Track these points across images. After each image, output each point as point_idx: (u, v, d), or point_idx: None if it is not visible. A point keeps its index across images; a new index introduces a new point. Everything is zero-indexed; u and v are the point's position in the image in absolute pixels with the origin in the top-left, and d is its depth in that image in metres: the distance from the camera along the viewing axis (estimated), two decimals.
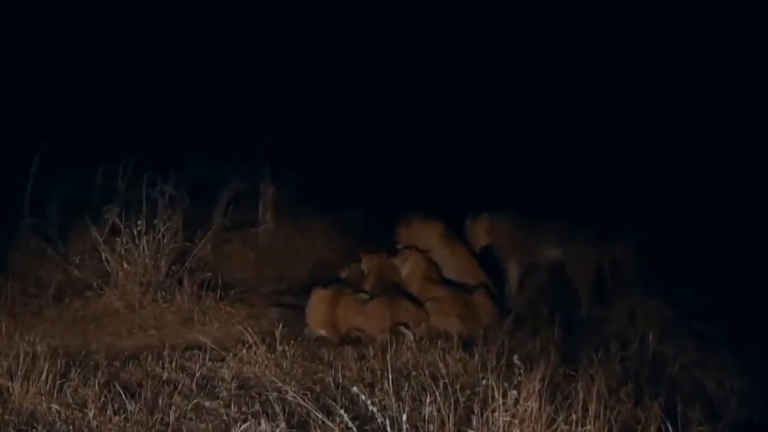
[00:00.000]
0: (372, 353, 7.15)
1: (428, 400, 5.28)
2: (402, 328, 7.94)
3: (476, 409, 5.30)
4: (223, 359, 7.04)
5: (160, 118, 11.17)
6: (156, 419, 5.73)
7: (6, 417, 5.71)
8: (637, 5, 10.89)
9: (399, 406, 5.40)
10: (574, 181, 10.36)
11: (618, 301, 8.64)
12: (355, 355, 7.18)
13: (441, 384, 5.53)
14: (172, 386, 6.34)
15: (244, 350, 7.11)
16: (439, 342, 7.34)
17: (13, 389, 6.01)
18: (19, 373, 6.10)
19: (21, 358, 6.25)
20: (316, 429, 5.42)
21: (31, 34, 10.93)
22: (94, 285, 8.82)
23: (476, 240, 9.60)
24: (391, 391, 5.61)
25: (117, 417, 5.69)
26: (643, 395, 6.12)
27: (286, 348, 7.17)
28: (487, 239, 9.59)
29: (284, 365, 6.94)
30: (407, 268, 8.95)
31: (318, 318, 8.24)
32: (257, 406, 5.95)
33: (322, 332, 8.15)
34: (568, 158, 10.91)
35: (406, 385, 6.03)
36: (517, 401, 5.21)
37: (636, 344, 7.28)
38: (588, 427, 5.31)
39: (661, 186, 9.94)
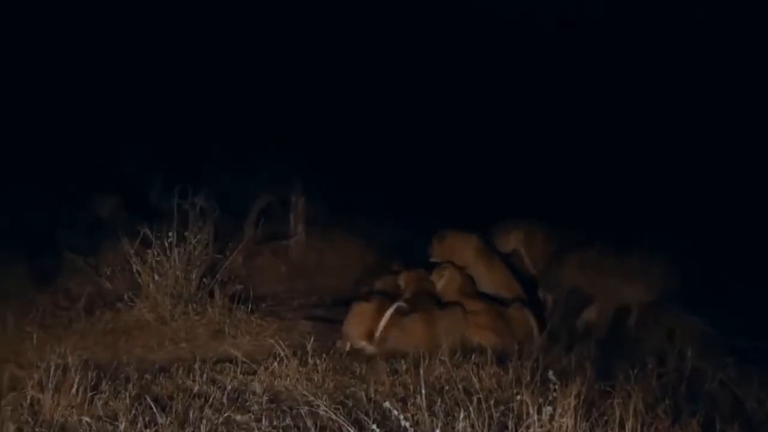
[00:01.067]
0: (405, 367, 7.14)
1: (462, 416, 5.27)
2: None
3: (510, 425, 5.30)
4: (255, 372, 7.05)
5: (191, 130, 11.25)
6: None
7: (37, 429, 5.75)
8: (679, 13, 10.85)
9: (432, 421, 5.41)
10: (613, 193, 10.34)
11: (656, 317, 8.60)
12: (388, 369, 7.16)
13: (475, 399, 5.53)
14: (203, 399, 6.35)
15: (276, 363, 7.11)
16: (473, 357, 7.31)
17: (44, 401, 6.04)
18: (50, 385, 6.13)
19: (52, 370, 6.27)
20: None
21: (57, 44, 11.04)
22: (125, 297, 8.86)
23: (506, 250, 9.60)
24: (424, 406, 5.61)
25: (148, 430, 5.71)
26: (681, 412, 6.07)
27: (318, 361, 7.16)
28: (520, 250, 9.60)
29: (316, 379, 6.94)
30: (443, 282, 8.95)
31: (360, 331, 8.25)
32: (288, 420, 5.96)
33: (363, 345, 8.15)
34: (608, 170, 10.89)
35: (439, 400, 6.00)
36: (552, 417, 5.20)
37: (674, 360, 7.23)
38: None
39: (701, 200, 9.89)
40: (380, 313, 8.32)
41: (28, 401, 6.09)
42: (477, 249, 9.38)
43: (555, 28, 11.64)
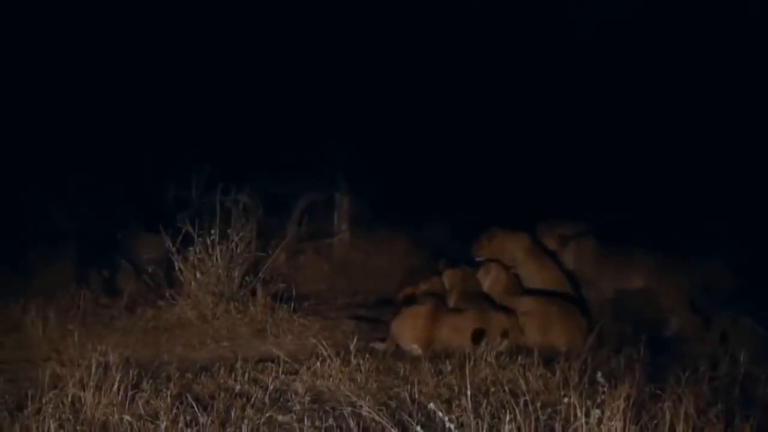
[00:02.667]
0: (449, 368, 7.11)
1: (508, 418, 5.24)
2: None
3: (558, 427, 5.27)
4: (297, 372, 7.07)
5: (236, 127, 11.29)
6: None
7: (78, 427, 5.78)
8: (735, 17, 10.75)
9: (477, 423, 5.38)
10: (666, 197, 10.27)
11: (709, 320, 8.52)
12: (432, 370, 7.14)
13: (521, 401, 5.49)
14: (244, 399, 6.37)
15: (318, 363, 7.13)
16: (520, 358, 7.27)
17: (85, 399, 6.08)
18: (91, 383, 6.17)
19: (93, 368, 6.32)
20: None
21: (105, 45, 11.14)
22: (167, 295, 8.94)
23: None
24: (469, 407, 5.58)
25: (189, 429, 5.72)
26: (733, 417, 5.97)
27: (361, 362, 7.17)
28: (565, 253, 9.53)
29: (359, 379, 6.95)
30: (489, 281, 8.90)
31: (413, 335, 8.23)
32: (331, 421, 5.94)
33: (416, 348, 8.11)
34: (660, 174, 10.82)
35: (485, 402, 5.96)
36: (600, 421, 5.16)
37: (726, 364, 7.15)
38: None
39: (757, 204, 9.80)
40: (434, 315, 8.28)
41: (70, 399, 6.13)
42: (528, 248, 9.32)
43: (598, 28, 11.59)
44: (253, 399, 6.39)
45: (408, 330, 8.23)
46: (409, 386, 6.70)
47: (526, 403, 5.47)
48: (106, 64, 11.12)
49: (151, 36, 11.13)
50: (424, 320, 8.22)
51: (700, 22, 11.04)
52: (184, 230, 9.04)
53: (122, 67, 11.18)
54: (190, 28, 11.18)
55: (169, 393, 6.29)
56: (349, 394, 6.21)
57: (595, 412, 5.14)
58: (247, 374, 6.96)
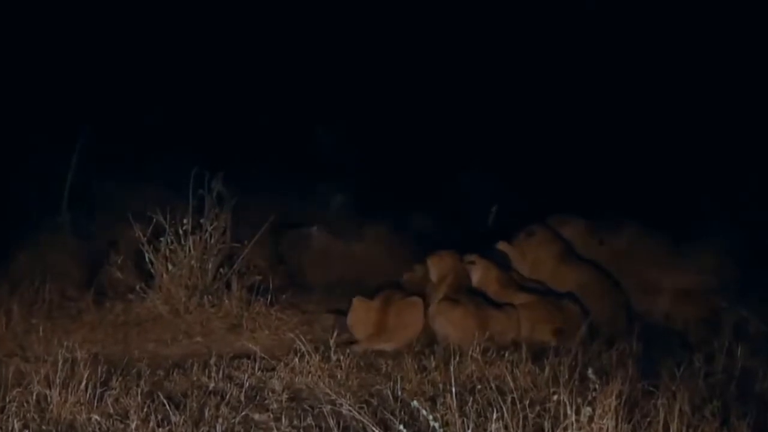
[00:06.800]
0: (434, 365, 7.13)
1: (494, 416, 5.26)
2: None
3: (547, 426, 5.29)
4: (274, 369, 7.07)
5: (211, 114, 11.31)
6: None
7: (44, 427, 5.78)
8: None
9: (463, 422, 5.40)
10: (666, 184, 10.34)
11: (705, 311, 8.58)
12: (416, 366, 7.15)
13: (508, 399, 5.51)
14: (219, 397, 6.38)
15: (296, 359, 7.12)
16: (507, 353, 7.29)
17: (51, 398, 6.06)
18: (58, 380, 6.15)
19: (59, 364, 6.31)
20: None
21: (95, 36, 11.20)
22: (137, 288, 8.89)
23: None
24: (454, 405, 5.59)
25: (161, 429, 5.72)
26: (729, 414, 6.02)
27: (341, 357, 7.18)
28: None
29: (339, 376, 6.96)
30: (479, 272, 8.82)
31: (369, 332, 8.21)
32: (310, 420, 5.96)
33: (383, 347, 8.04)
34: (663, 160, 10.89)
35: (471, 399, 6.01)
36: (591, 419, 5.18)
37: (723, 358, 7.19)
38: None
39: (760, 191, 9.87)
40: (387, 307, 8.27)
41: (35, 397, 6.11)
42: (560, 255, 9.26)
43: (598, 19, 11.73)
44: (228, 397, 6.38)
45: (363, 327, 8.22)
46: (391, 383, 6.71)
47: (513, 401, 5.49)
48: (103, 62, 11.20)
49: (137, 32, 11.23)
50: (377, 314, 8.22)
51: (700, 6, 11.13)
52: (155, 220, 8.98)
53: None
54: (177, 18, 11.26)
55: (139, 391, 6.28)
56: (329, 391, 6.23)
57: (586, 410, 5.16)
58: (221, 371, 6.95)
